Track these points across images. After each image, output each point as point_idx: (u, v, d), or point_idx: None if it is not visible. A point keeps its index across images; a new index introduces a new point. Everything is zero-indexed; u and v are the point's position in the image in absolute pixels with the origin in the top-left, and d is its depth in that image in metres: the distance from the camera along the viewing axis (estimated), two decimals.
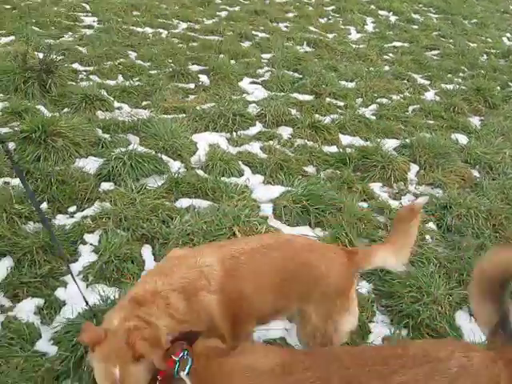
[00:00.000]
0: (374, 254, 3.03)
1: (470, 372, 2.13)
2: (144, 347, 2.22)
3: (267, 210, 4.69)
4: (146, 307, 2.45)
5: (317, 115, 6.45)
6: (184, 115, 6.11)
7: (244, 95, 6.87)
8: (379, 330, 3.73)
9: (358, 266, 3.05)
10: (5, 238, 4.02)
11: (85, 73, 7.08)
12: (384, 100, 7.26)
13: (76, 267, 3.91)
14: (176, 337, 2.44)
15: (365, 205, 4.97)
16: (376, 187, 5.29)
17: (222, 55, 8.04)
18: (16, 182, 4.64)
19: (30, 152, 5.00)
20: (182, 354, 2.41)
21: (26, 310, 3.56)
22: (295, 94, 6.99)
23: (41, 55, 6.77)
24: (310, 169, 5.43)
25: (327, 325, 2.94)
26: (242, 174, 5.18)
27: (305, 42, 9.17)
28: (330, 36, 9.88)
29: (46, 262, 3.88)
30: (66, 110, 6.02)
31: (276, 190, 4.96)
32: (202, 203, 4.62)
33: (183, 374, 2.30)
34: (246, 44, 8.88)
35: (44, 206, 4.44)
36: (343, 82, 7.65)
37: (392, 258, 3.02)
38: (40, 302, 3.63)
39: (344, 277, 2.94)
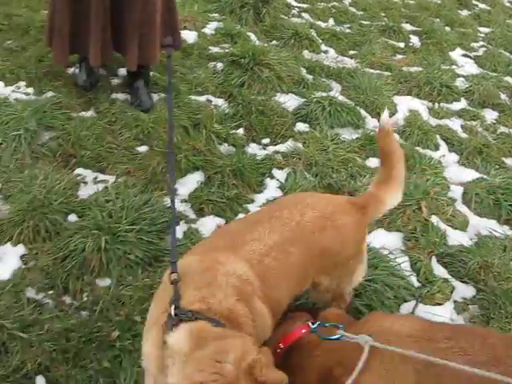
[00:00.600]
0: (385, 201, 2.81)
1: None
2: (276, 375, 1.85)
3: (457, 192, 4.45)
4: (243, 329, 2.08)
5: None
6: (389, 73, 5.91)
7: (453, 67, 6.49)
8: None
9: (371, 218, 2.88)
10: (201, 153, 4.17)
11: (297, 9, 7.05)
12: None
13: (260, 198, 3.98)
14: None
15: None
16: None
17: (437, 19, 7.65)
18: (219, 102, 4.78)
19: (236, 76, 5.10)
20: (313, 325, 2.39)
21: (208, 225, 3.68)
22: (507, 78, 6.50)
23: None
24: (510, 161, 5.06)
25: (340, 284, 2.83)
26: (438, 149, 4.94)
27: None
28: None
29: (233, 185, 3.97)
30: (274, 42, 6.05)
31: (469, 174, 4.68)
32: None
33: (341, 331, 2.26)
34: (464, 13, 8.36)
35: (240, 131, 4.53)
36: None
37: (398, 195, 2.87)
38: (221, 221, 3.74)
39: (359, 239, 2.74)
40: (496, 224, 4.24)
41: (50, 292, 3.16)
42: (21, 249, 3.37)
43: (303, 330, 2.39)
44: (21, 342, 2.83)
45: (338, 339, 2.22)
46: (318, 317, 2.57)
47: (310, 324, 2.40)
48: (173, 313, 1.99)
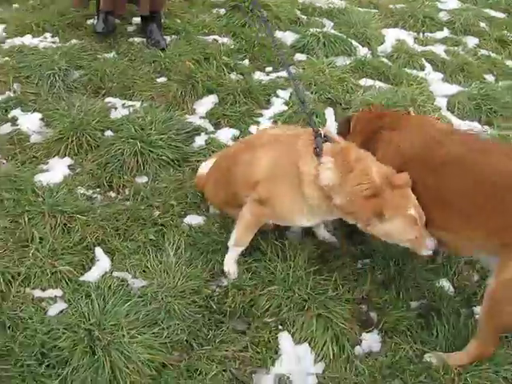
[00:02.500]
0: None
1: None
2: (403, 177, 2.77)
3: (441, 102, 4.99)
4: None
5: (506, 32, 6.49)
6: (376, 11, 6.43)
7: (436, 2, 7.00)
8: None
9: None
10: (213, 79, 4.73)
11: None
12: None
13: (268, 113, 4.55)
14: None
15: None
16: None
17: None
18: (224, 40, 5.33)
19: (237, 19, 5.65)
20: None
21: (224, 135, 4.28)
22: (487, 10, 7.02)
23: None
24: (490, 77, 5.59)
25: None
26: (423, 69, 5.48)
27: None
28: None
29: (244, 103, 4.56)
30: None
31: (453, 89, 5.21)
32: (383, 85, 5.03)
33: None
34: None
35: (246, 62, 5.10)
36: None
37: None
38: (236, 132, 4.33)
39: None
40: (477, 125, 4.80)
41: (98, 189, 3.75)
42: (67, 160, 3.95)
43: None
44: (79, 222, 3.41)
45: None
46: None
47: None
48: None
